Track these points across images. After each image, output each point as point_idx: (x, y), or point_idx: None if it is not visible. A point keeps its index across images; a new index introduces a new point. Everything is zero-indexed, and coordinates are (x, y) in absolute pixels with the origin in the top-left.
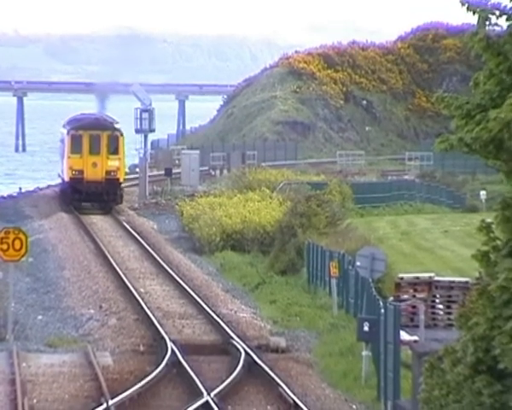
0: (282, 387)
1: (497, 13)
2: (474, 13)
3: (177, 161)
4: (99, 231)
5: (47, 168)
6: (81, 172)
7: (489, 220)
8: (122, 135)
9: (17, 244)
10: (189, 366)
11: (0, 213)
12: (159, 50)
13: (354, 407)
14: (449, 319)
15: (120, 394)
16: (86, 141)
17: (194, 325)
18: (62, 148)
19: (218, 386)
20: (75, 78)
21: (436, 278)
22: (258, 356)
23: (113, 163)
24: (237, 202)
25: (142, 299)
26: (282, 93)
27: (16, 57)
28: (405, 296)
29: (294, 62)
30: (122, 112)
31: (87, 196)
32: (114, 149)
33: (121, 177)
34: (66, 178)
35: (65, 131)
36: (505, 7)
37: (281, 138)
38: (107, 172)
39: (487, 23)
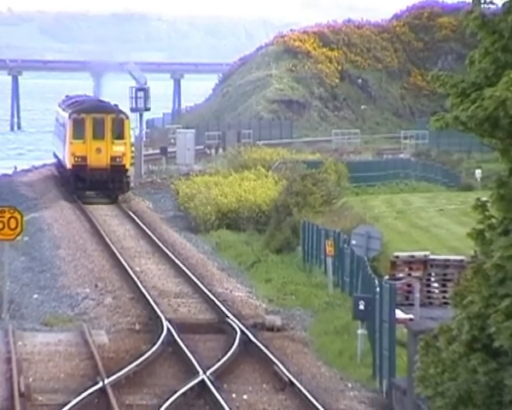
0: (277, 365)
1: None
2: None
3: (172, 140)
4: (94, 210)
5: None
6: (84, 158)
7: (484, 199)
8: (128, 118)
9: (12, 223)
10: (184, 344)
11: None
12: (154, 28)
13: (350, 385)
14: (444, 298)
15: (116, 372)
16: (89, 125)
17: (190, 303)
18: (63, 132)
19: (213, 365)
20: (70, 56)
21: (431, 257)
22: (253, 335)
23: (118, 148)
24: (233, 181)
25: (138, 278)
26: (277, 72)
27: (10, 36)
28: (401, 275)
29: (289, 41)
30: (117, 91)
31: (91, 185)
32: (119, 133)
33: (127, 163)
34: (69, 166)
35: (65, 114)
36: None
37: (276, 117)
38: (113, 159)
39: (482, 1)
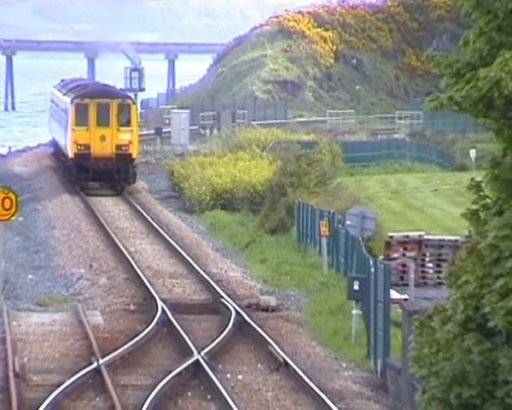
0: (272, 345)
1: None
2: None
3: (167, 121)
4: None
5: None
6: (87, 147)
7: (479, 179)
8: (134, 103)
9: (7, 204)
10: (179, 324)
11: None
12: (148, 9)
13: (344, 365)
14: (439, 278)
15: (111, 352)
16: (93, 111)
17: (185, 284)
18: (65, 119)
19: (208, 345)
20: (64, 36)
21: (426, 237)
22: (248, 315)
23: (124, 136)
24: (227, 162)
25: (133, 258)
26: (271, 52)
27: (4, 16)
28: (395, 255)
29: (284, 21)
30: (111, 71)
31: (94, 175)
32: (126, 119)
33: (134, 152)
34: (71, 155)
35: (67, 99)
36: None
37: (271, 97)
38: (118, 147)
39: None
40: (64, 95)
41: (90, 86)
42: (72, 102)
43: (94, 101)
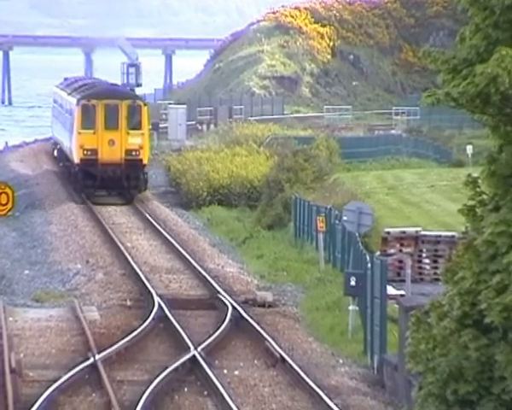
0: (268, 341)
1: None
2: None
3: (163, 116)
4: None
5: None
6: (95, 151)
7: (475, 175)
8: (145, 105)
9: (3, 199)
10: (176, 320)
11: None
12: (144, 4)
13: (341, 360)
14: (435, 274)
15: (107, 348)
16: (101, 113)
17: (181, 279)
18: (70, 121)
19: (205, 340)
20: (60, 32)
21: (423, 233)
22: (245, 311)
23: (134, 140)
24: (224, 157)
25: (129, 254)
26: (268, 48)
27: (1, 11)
28: (392, 251)
29: (281, 17)
30: (108, 67)
31: (102, 182)
32: (136, 122)
33: (145, 158)
34: (76, 160)
35: (72, 99)
36: None
37: (268, 93)
38: (128, 152)
39: None
40: (69, 95)
41: (97, 86)
42: (78, 103)
43: (102, 102)
